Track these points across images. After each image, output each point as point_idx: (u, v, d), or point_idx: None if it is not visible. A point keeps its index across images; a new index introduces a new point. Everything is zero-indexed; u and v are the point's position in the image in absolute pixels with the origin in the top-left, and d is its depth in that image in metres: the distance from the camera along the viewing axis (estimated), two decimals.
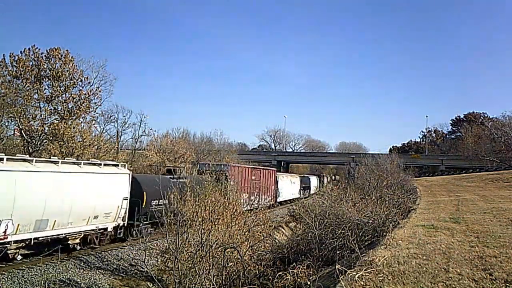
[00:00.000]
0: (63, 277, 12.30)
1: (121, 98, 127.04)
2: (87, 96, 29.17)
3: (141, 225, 17.76)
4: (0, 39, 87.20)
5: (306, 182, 53.56)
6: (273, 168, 38.27)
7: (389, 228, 10.84)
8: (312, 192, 54.01)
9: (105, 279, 13.03)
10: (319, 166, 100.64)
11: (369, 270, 6.35)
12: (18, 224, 12.08)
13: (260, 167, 36.78)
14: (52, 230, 13.44)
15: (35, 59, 27.56)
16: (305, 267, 8.70)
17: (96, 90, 30.00)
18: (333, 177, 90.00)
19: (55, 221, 13.38)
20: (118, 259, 15.06)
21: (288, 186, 42.10)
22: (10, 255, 12.42)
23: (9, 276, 11.65)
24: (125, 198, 16.66)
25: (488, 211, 15.18)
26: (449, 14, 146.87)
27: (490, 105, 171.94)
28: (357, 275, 6.10)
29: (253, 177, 27.88)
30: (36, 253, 13.88)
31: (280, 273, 8.84)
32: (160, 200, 17.16)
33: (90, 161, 16.78)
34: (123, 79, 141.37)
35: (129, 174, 17.18)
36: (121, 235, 16.99)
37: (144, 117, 39.84)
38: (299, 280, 8.29)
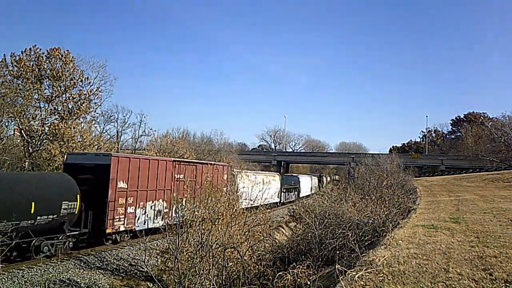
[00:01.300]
0: (63, 277, 12.30)
1: (121, 98, 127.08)
2: (87, 96, 29.25)
3: None
4: (0, 39, 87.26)
5: (292, 182, 43.66)
6: (224, 164, 26.86)
7: (389, 228, 10.84)
8: (304, 194, 43.68)
9: (105, 279, 13.03)
10: (319, 166, 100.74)
11: (369, 270, 6.35)
12: None
13: (195, 160, 26.21)
14: None
15: (36, 59, 27.61)
16: (305, 267, 8.70)
17: (96, 90, 30.14)
18: (333, 177, 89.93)
19: None
20: (118, 259, 15.05)
21: (257, 189, 28.92)
22: None
23: (9, 276, 11.65)
24: None
25: (488, 211, 15.17)
26: (449, 14, 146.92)
27: (490, 105, 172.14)
28: (357, 275, 6.10)
29: (177, 176, 19.28)
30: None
31: (280, 273, 8.83)
32: None
33: None
34: (123, 79, 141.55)
35: None
36: None
37: (144, 117, 39.90)
38: (299, 280, 8.29)
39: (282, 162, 79.88)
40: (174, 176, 19.41)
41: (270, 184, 34.06)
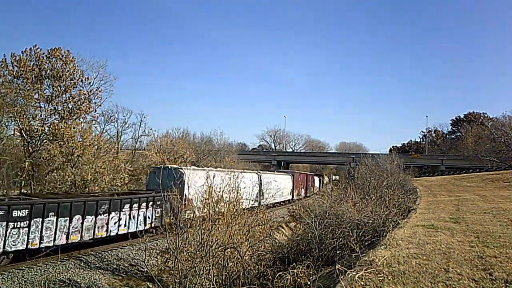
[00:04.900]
0: (63, 277, 12.30)
1: (121, 98, 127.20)
2: (87, 96, 29.22)
3: None
4: (1, 39, 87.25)
5: (158, 182, 14.90)
6: None
7: (389, 228, 10.82)
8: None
9: (105, 279, 13.02)
10: (319, 166, 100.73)
11: (369, 270, 6.35)
12: None
13: None
14: None
15: (36, 59, 27.57)
16: (305, 267, 8.70)
17: (96, 90, 30.09)
18: (332, 177, 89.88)
19: None
20: (118, 259, 15.05)
21: None
22: None
23: (9, 276, 11.65)
24: None
25: (488, 211, 15.15)
26: (449, 14, 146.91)
27: (490, 105, 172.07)
28: (357, 275, 6.09)
29: None
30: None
31: (280, 273, 8.83)
32: None
33: None
34: (123, 79, 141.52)
35: None
36: None
37: (144, 117, 39.67)
38: (299, 280, 8.29)
39: (282, 162, 79.86)
40: None
41: None
